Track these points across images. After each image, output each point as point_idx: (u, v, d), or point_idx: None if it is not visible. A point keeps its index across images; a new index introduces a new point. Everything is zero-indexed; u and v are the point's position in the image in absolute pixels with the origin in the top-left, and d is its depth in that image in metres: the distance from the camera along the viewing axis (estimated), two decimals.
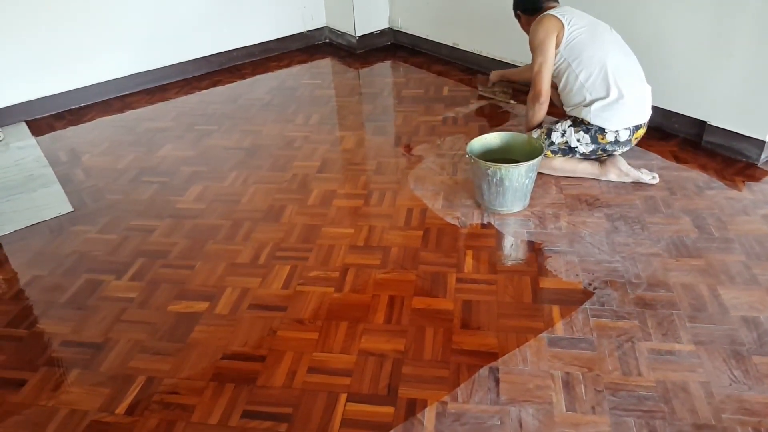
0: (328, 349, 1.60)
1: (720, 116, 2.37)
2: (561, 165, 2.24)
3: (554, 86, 2.37)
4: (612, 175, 2.21)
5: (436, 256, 1.94)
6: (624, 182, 2.22)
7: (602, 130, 2.12)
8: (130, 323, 1.75)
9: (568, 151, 2.18)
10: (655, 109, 2.21)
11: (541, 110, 2.21)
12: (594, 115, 2.10)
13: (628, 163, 2.23)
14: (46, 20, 3.11)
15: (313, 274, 1.90)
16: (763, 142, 2.26)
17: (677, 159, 2.40)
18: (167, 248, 2.08)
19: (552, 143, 2.18)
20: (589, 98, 2.11)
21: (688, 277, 1.77)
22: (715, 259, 1.84)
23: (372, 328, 1.66)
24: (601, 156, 2.22)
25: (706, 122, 2.43)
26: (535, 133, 2.22)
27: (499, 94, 3.01)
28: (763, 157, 2.30)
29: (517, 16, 2.34)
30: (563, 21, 2.09)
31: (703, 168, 2.33)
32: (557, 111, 2.49)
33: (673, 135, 2.57)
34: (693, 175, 2.26)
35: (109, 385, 1.54)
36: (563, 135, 2.16)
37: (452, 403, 1.42)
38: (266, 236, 2.11)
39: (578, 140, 2.14)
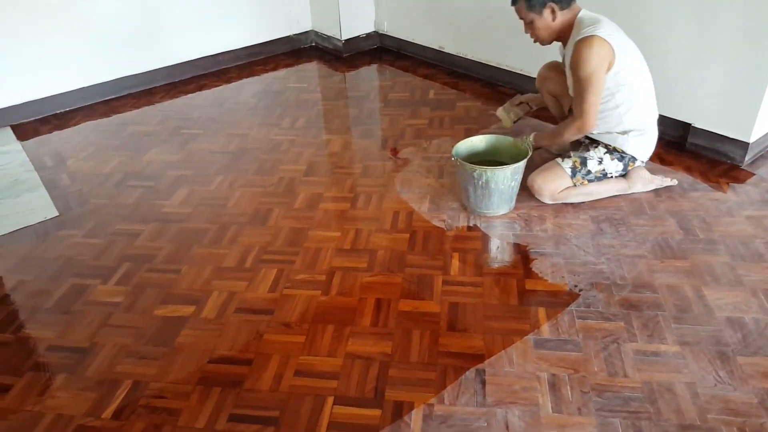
0: (315, 352, 1.60)
1: (704, 118, 2.40)
2: (596, 189, 2.14)
3: (553, 94, 2.33)
4: (637, 187, 2.17)
5: (422, 259, 1.94)
6: (647, 190, 2.20)
7: (634, 159, 2.10)
8: (116, 327, 1.73)
9: (603, 177, 2.12)
10: None
11: (578, 137, 2.08)
12: (631, 145, 2.06)
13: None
14: (31, 24, 3.08)
15: (299, 277, 1.89)
16: (747, 143, 2.29)
17: (662, 161, 2.43)
18: (153, 252, 2.07)
19: (589, 172, 2.08)
20: (621, 128, 2.04)
21: (673, 279, 1.79)
22: (699, 261, 1.86)
23: (359, 331, 1.66)
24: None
25: (690, 124, 2.46)
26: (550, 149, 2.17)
27: (512, 114, 2.46)
28: (747, 158, 2.33)
29: (539, 11, 1.92)
30: (614, 49, 1.87)
31: (688, 170, 2.36)
32: (546, 114, 2.51)
33: (658, 137, 2.59)
34: (678, 177, 2.28)
35: (96, 389, 1.52)
36: (600, 163, 2.07)
37: (439, 406, 1.42)
38: (253, 240, 2.10)
39: (614, 166, 2.10)
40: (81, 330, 1.73)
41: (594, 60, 1.85)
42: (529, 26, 1.99)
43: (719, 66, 2.27)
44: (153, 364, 1.59)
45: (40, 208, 2.37)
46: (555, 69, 2.28)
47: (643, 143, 2.09)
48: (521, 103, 2.44)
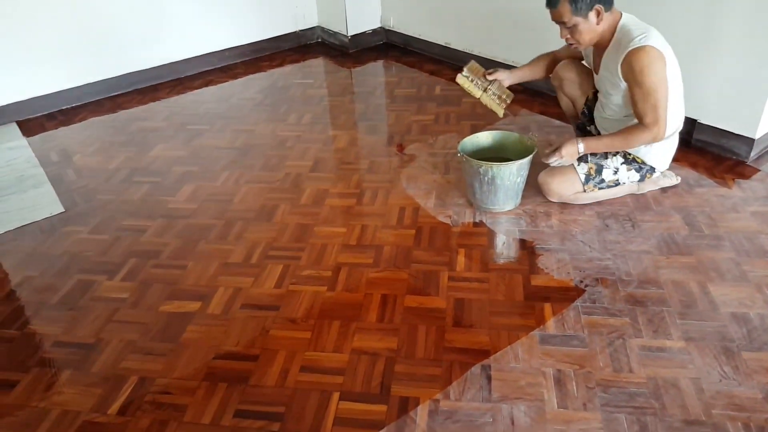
0: (321, 348, 1.61)
1: (709, 115, 2.39)
2: (605, 194, 2.11)
3: (570, 97, 2.27)
4: (647, 188, 2.16)
5: (428, 255, 1.94)
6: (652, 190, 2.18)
7: (652, 170, 2.06)
8: (122, 323, 1.74)
9: (614, 185, 2.09)
10: None
11: (646, 143, 1.95)
12: (653, 156, 2.02)
13: None
14: (37, 20, 3.09)
15: (305, 273, 1.90)
16: (753, 139, 2.28)
17: None
18: (159, 248, 2.07)
19: (602, 181, 2.04)
20: None
21: (679, 274, 1.78)
22: (705, 256, 1.85)
23: (365, 327, 1.66)
24: None
25: (696, 120, 2.44)
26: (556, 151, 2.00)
27: (491, 94, 2.19)
28: (752, 154, 2.32)
29: (585, 13, 1.80)
30: (666, 63, 1.82)
31: (694, 166, 2.35)
32: (553, 111, 2.49)
33: None
34: (683, 173, 2.27)
35: (102, 385, 1.53)
36: (615, 173, 2.03)
37: (444, 401, 1.42)
38: (259, 236, 2.10)
39: (628, 177, 2.07)
40: (87, 326, 1.74)
41: (658, 68, 1.80)
42: (571, 30, 1.86)
43: (725, 62, 2.25)
44: (159, 360, 1.60)
45: (45, 204, 2.38)
46: (573, 70, 2.20)
47: (666, 151, 2.05)
48: (495, 80, 2.20)
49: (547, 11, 1.87)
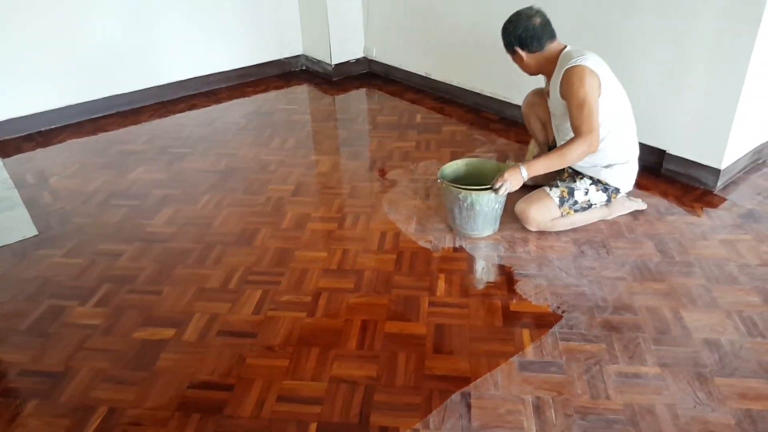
0: (299, 376, 1.58)
1: (678, 145, 2.48)
2: (580, 218, 2.18)
3: (541, 120, 2.35)
4: (617, 212, 2.23)
5: (409, 280, 1.95)
6: (622, 215, 2.26)
7: (617, 191, 2.15)
8: (94, 351, 1.69)
9: (587, 207, 2.16)
10: None
11: (584, 157, 2.01)
12: (614, 178, 2.11)
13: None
14: (16, 40, 3.08)
15: (284, 298, 1.88)
16: (719, 170, 2.37)
17: (639, 186, 2.47)
18: (135, 273, 2.04)
19: (576, 202, 2.12)
20: (606, 161, 2.09)
21: (652, 300, 1.82)
22: (677, 283, 1.90)
23: (344, 354, 1.65)
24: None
25: (665, 151, 2.53)
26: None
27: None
28: (719, 184, 2.41)
29: (512, 51, 2.09)
30: (601, 80, 1.95)
31: (664, 194, 2.42)
32: (530, 139, 2.54)
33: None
34: (654, 202, 2.34)
35: (69, 416, 1.48)
36: (586, 194, 2.12)
37: (424, 431, 1.41)
38: (238, 260, 2.09)
39: (597, 197, 2.14)
40: (56, 353, 1.68)
41: (586, 83, 1.92)
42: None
43: (691, 96, 2.35)
44: (130, 389, 1.55)
45: (18, 226, 2.33)
46: (543, 95, 2.32)
47: (626, 175, 2.14)
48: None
49: None
